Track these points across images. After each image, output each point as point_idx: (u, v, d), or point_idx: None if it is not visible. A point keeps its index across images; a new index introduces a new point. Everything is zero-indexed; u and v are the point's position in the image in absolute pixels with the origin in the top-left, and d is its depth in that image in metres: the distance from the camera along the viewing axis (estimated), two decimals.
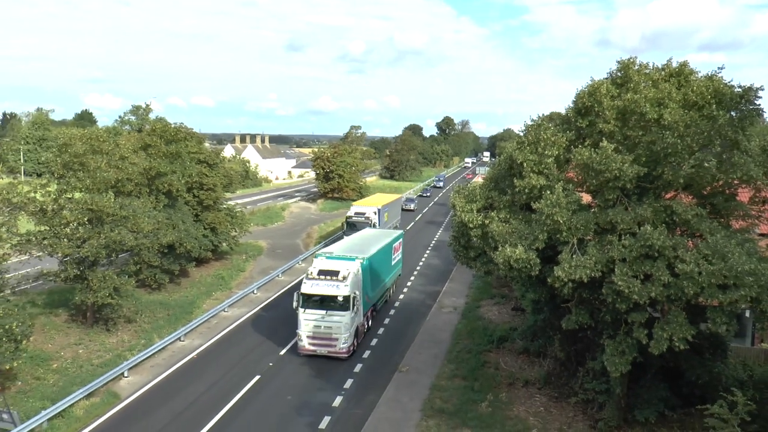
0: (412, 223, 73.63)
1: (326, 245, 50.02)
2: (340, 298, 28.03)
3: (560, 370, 26.24)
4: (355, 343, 29.53)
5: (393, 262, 40.20)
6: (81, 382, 24.77)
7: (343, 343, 28.20)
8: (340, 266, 29.29)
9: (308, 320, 28.32)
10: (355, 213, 54.52)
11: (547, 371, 26.59)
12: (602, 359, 19.67)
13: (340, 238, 47.18)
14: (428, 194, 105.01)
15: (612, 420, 21.57)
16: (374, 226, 51.93)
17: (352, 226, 51.36)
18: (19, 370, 24.77)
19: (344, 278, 28.39)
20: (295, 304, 28.72)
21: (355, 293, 28.64)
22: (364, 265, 30.67)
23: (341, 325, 28.09)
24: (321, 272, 28.83)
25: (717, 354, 22.12)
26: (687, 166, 17.98)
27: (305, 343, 28.52)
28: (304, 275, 29.48)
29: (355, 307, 28.76)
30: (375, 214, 54.21)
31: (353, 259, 30.43)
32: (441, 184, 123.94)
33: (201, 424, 22.25)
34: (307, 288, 28.41)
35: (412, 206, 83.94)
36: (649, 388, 21.49)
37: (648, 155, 18.89)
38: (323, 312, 28.09)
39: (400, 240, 43.28)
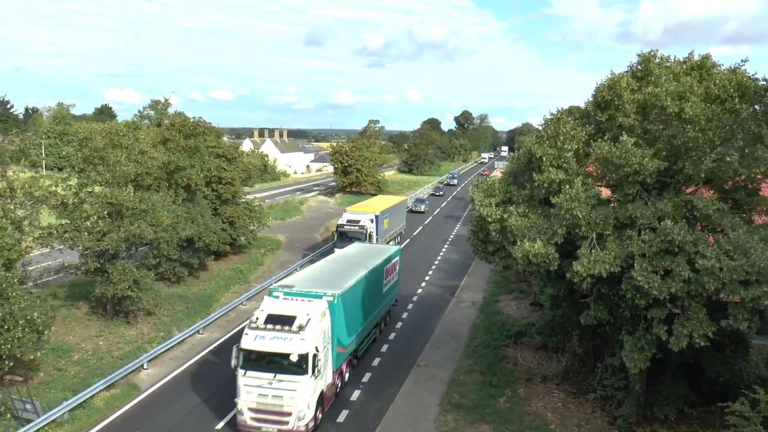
0: (429, 218, 73.46)
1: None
2: (294, 357, 20.02)
3: (578, 366, 26.10)
4: (319, 415, 21.73)
5: (385, 289, 31.46)
6: (101, 373, 25.08)
7: (299, 420, 20.34)
8: (297, 309, 21.51)
9: (250, 386, 20.52)
10: (348, 221, 45.67)
11: (566, 367, 26.46)
12: (621, 355, 19.54)
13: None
14: (441, 192, 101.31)
15: (631, 416, 21.43)
16: (370, 236, 44.53)
17: (344, 237, 43.74)
18: (42, 362, 25.13)
19: (301, 328, 20.58)
20: (233, 362, 20.91)
21: (317, 348, 20.71)
22: (335, 305, 23.07)
23: (295, 395, 20.28)
24: (270, 319, 21.04)
25: (738, 351, 21.83)
26: (708, 161, 17.70)
27: (246, 418, 20.70)
28: (248, 322, 21.79)
29: (317, 368, 20.73)
30: (372, 221, 45.89)
31: (320, 296, 22.79)
32: (455, 181, 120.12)
33: (220, 417, 22.47)
34: (249, 342, 20.54)
35: (422, 207, 77.37)
36: (669, 384, 21.29)
37: (669, 149, 18.65)
38: (271, 376, 20.34)
39: (397, 258, 34.55)
